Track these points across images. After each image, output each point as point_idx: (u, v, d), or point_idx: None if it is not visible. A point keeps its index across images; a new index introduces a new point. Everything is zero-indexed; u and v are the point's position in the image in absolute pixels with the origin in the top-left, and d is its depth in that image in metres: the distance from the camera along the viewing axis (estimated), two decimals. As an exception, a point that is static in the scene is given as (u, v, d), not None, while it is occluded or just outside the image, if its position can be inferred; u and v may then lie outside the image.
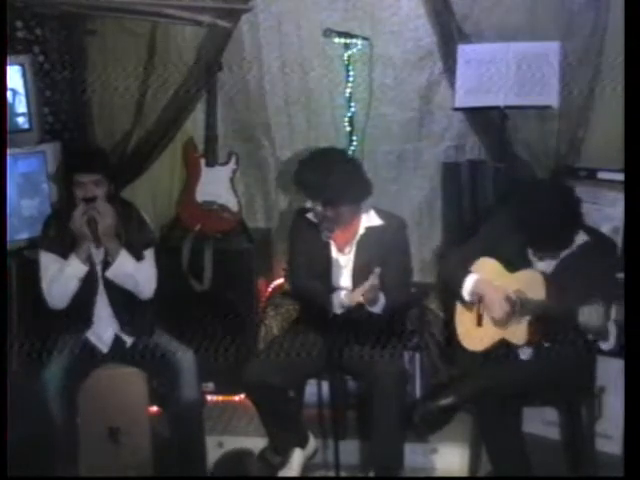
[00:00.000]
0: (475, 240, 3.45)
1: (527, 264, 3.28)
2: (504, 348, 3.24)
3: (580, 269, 3.14)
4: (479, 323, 3.31)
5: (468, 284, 3.33)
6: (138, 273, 3.48)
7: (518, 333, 3.18)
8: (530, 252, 3.29)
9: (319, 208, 3.36)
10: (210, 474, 3.62)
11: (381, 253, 3.43)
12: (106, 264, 3.48)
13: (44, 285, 3.47)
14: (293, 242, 3.62)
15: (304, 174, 3.38)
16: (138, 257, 3.51)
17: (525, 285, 3.19)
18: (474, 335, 3.31)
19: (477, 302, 3.33)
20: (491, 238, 3.39)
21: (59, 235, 3.48)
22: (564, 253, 3.23)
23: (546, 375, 3.17)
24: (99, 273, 3.50)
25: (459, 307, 3.40)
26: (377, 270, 3.22)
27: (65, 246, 3.46)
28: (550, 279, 3.16)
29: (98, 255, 3.49)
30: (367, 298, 3.30)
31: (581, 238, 3.23)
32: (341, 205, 3.36)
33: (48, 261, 3.47)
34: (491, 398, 3.15)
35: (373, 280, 3.22)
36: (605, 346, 3.08)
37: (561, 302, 3.07)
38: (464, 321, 3.38)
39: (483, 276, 3.30)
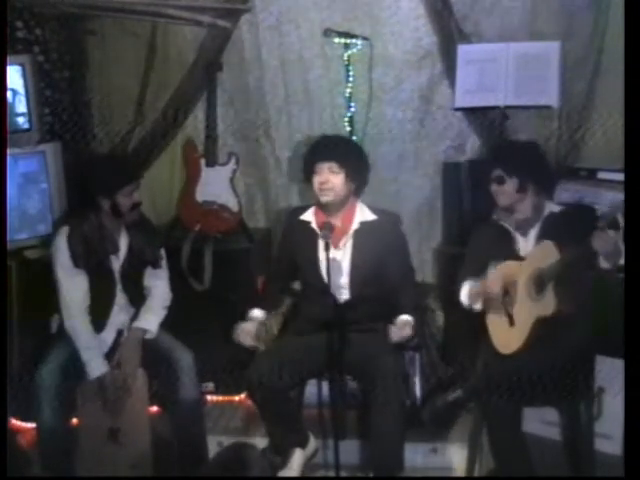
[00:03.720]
0: (466, 262, 3.48)
1: (513, 245, 3.32)
2: (544, 329, 3.19)
3: (565, 225, 3.20)
4: (511, 323, 3.30)
5: (464, 290, 3.39)
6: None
7: (547, 303, 3.15)
8: (515, 234, 3.34)
9: (326, 178, 3.39)
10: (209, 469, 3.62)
11: (378, 249, 3.45)
12: (123, 271, 3.52)
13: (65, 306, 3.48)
14: (283, 241, 3.67)
15: (322, 142, 3.47)
16: (158, 260, 3.58)
17: (541, 259, 3.18)
18: (508, 337, 3.27)
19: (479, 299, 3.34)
20: (479, 250, 3.42)
21: (89, 254, 3.47)
22: (545, 213, 3.31)
23: (545, 370, 3.16)
24: (117, 281, 3.53)
25: (489, 315, 3.38)
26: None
27: (94, 262, 3.48)
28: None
29: (117, 263, 3.52)
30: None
31: (554, 207, 3.32)
32: (352, 175, 3.41)
33: (73, 277, 3.47)
34: (494, 393, 3.14)
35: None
36: (623, 260, 3.06)
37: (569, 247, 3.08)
38: (496, 326, 3.35)
39: (504, 272, 3.31)
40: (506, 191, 3.32)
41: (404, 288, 3.48)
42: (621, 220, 2.90)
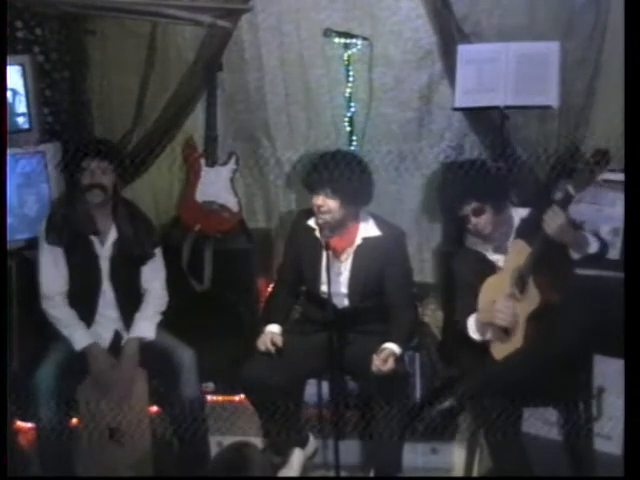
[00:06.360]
0: (459, 295, 3.47)
1: (492, 266, 3.34)
2: (537, 326, 3.20)
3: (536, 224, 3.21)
4: (507, 333, 3.28)
5: (470, 325, 3.36)
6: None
7: (532, 298, 3.17)
8: (489, 252, 3.37)
9: (323, 202, 3.37)
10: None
11: (379, 264, 3.47)
12: (112, 263, 3.50)
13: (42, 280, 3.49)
14: (288, 245, 3.67)
15: (320, 165, 3.41)
16: (147, 257, 3.55)
17: (516, 259, 3.22)
18: (506, 346, 3.28)
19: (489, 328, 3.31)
20: (465, 281, 3.42)
21: (62, 228, 3.48)
22: (516, 222, 3.35)
23: (541, 370, 3.16)
24: (103, 270, 3.51)
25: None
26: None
27: (69, 239, 3.48)
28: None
29: (103, 251, 3.50)
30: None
31: (521, 212, 3.38)
32: (349, 200, 3.39)
33: (50, 257, 3.48)
34: (488, 398, 3.14)
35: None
36: (591, 249, 3.15)
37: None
38: (493, 339, 3.34)
39: (491, 290, 3.31)
40: (485, 220, 3.31)
41: (401, 311, 3.47)
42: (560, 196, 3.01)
